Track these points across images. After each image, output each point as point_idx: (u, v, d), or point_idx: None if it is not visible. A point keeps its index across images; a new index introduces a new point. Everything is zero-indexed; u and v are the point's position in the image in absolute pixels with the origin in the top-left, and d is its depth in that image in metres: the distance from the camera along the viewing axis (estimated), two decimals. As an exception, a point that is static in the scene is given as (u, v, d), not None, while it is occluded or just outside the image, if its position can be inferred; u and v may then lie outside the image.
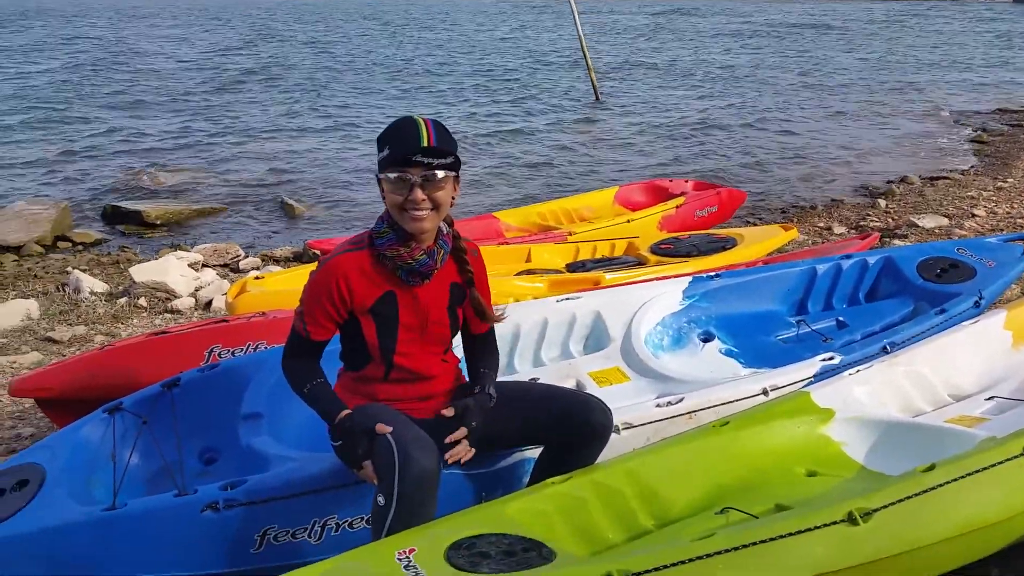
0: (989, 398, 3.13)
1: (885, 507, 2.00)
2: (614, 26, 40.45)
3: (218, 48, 29.16)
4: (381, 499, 2.03)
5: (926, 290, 3.86)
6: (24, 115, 14.75)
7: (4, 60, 23.59)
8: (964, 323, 3.42)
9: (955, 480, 2.10)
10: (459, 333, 2.53)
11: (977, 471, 2.15)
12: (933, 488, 2.07)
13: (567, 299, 3.64)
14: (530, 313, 3.54)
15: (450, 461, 2.23)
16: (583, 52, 16.44)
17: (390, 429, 2.12)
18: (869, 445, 2.73)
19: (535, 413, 2.44)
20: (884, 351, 3.23)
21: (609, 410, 2.44)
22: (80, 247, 7.61)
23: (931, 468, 2.15)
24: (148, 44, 30.40)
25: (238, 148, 12.39)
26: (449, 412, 2.28)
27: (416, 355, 2.38)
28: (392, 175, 2.20)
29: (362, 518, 2.41)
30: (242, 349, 3.32)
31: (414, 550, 1.92)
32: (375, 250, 2.30)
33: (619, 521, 2.35)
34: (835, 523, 1.95)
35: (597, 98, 16.35)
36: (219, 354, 3.30)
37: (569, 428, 2.40)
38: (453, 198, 2.31)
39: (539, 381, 3.21)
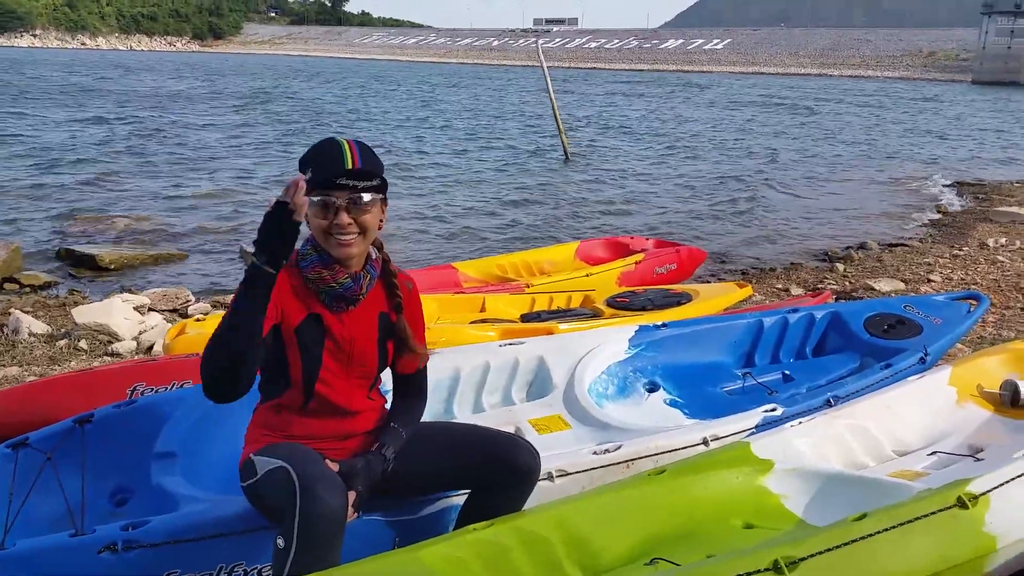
0: (932, 453, 3.08)
1: (812, 556, 1.92)
2: (590, 92, 41.37)
3: (199, 102, 29.30)
4: (281, 541, 1.90)
5: (872, 345, 3.84)
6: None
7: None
8: (909, 378, 3.39)
9: (886, 530, 2.03)
10: (389, 370, 2.44)
11: (909, 521, 2.07)
12: (863, 537, 1.99)
13: (510, 344, 3.57)
14: (472, 357, 3.46)
15: None
16: (554, 112, 16.72)
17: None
18: (809, 498, 2.65)
19: (459, 454, 2.33)
20: (828, 404, 3.18)
21: (536, 452, 2.35)
22: (27, 289, 7.40)
23: (862, 517, 2.07)
24: (136, 98, 30.50)
25: (204, 199, 12.31)
26: (333, 467, 2.11)
27: (338, 387, 2.25)
28: (315, 199, 2.10)
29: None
30: (167, 388, 3.19)
31: (314, 597, 1.80)
32: (301, 271, 2.21)
33: (544, 571, 2.22)
34: (759, 571, 1.86)
35: (567, 158, 16.56)
36: (142, 392, 3.16)
37: (493, 470, 2.29)
38: (381, 221, 2.23)
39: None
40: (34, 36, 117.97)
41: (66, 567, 2.17)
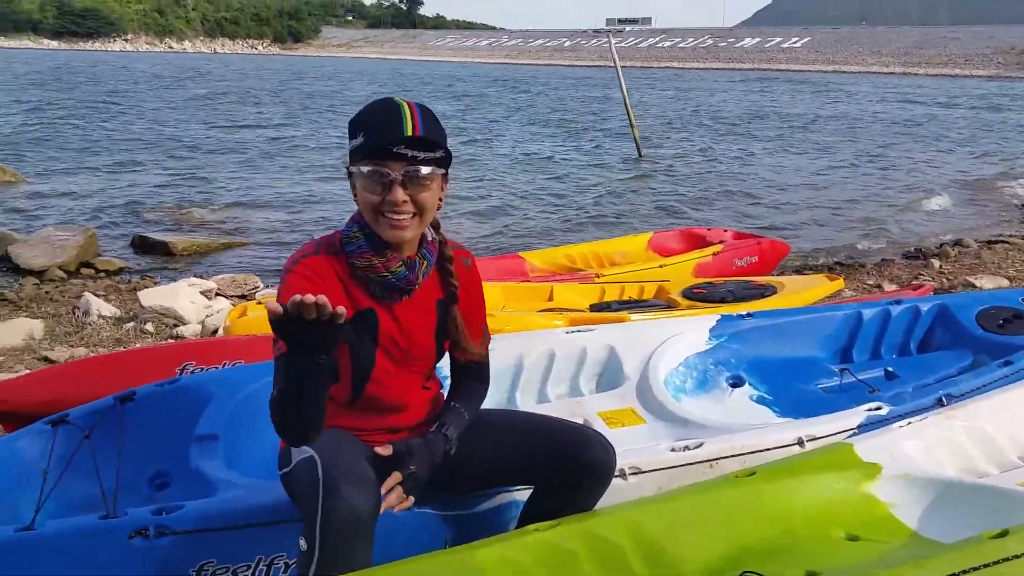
0: (1066, 462, 2.67)
1: (943, 579, 1.59)
2: (667, 91, 40.65)
3: (284, 103, 29.91)
4: (303, 542, 1.66)
5: (987, 341, 3.42)
6: (82, 148, 15.23)
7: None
8: (1033, 378, 2.99)
9: (1034, 551, 1.68)
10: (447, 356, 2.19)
11: (1062, 542, 1.72)
12: (1006, 559, 1.65)
13: (578, 331, 3.29)
14: (537, 344, 3.20)
15: (381, 510, 1.77)
16: (626, 109, 16.30)
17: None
18: (923, 507, 2.30)
19: (522, 445, 2.07)
20: (939, 403, 2.81)
21: (611, 447, 2.07)
22: (102, 274, 7.49)
23: (1003, 535, 1.73)
24: (223, 95, 31.35)
25: (281, 190, 12.42)
26: (386, 451, 1.86)
27: (392, 385, 2.00)
28: (366, 169, 1.82)
29: (314, 559, 2.05)
30: (216, 368, 3.02)
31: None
32: (347, 257, 1.93)
33: (614, 581, 1.95)
34: (879, 595, 1.54)
35: (639, 154, 16.14)
36: (192, 372, 3.00)
37: (561, 464, 2.02)
38: (440, 199, 1.94)
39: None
40: (126, 40, 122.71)
41: (95, 551, 2.00)
